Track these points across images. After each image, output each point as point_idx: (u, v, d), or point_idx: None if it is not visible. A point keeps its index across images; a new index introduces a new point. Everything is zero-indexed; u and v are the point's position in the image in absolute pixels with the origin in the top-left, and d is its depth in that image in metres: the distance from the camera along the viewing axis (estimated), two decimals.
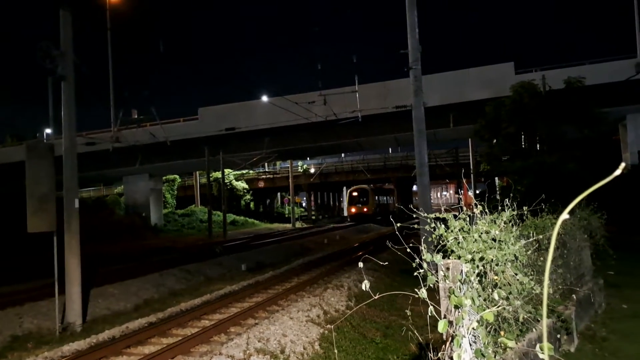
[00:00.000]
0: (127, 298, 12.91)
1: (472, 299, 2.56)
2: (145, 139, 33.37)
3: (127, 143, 32.76)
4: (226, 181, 48.30)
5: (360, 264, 3.13)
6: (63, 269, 10.41)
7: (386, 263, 3.97)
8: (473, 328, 2.68)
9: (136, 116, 34.09)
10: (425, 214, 3.85)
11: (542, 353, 1.41)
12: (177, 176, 53.15)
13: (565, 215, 1.23)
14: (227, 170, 46.83)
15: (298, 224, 51.21)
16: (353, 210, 51.93)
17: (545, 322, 1.18)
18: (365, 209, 50.79)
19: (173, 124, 35.01)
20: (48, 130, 30.10)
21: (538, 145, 22.33)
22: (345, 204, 61.57)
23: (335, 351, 7.55)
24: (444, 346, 2.76)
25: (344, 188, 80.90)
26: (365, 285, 2.66)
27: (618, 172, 1.22)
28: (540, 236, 5.27)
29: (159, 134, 32.06)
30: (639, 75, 22.08)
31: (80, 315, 10.48)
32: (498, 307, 2.74)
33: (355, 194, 52.78)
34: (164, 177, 48.62)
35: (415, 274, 2.92)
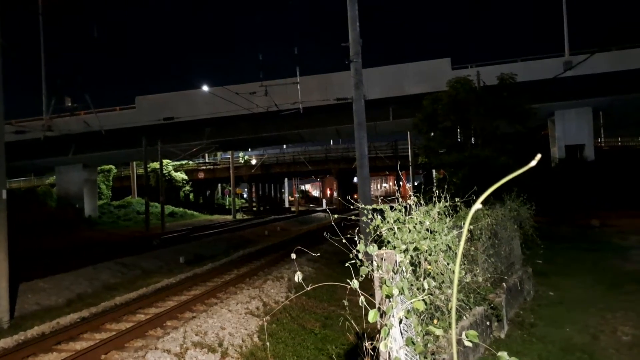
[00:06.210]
0: (59, 293, 12.37)
1: (402, 289, 2.59)
2: (79, 127, 32.07)
3: (59, 132, 31.35)
4: (165, 172, 47.14)
5: (293, 255, 3.12)
6: None
7: (318, 254, 3.98)
8: (404, 317, 2.72)
9: (70, 104, 32.64)
10: (364, 205, 3.88)
11: (468, 340, 1.43)
12: (112, 166, 51.39)
13: (478, 205, 1.26)
14: (165, 161, 45.70)
15: (239, 216, 50.78)
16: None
17: (454, 310, 1.19)
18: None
19: (109, 112, 33.78)
20: None
21: (473, 139, 23.07)
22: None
23: (267, 344, 7.55)
24: (378, 335, 2.79)
25: (286, 179, 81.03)
26: (298, 277, 2.65)
27: (533, 163, 1.25)
28: (471, 227, 5.43)
29: (93, 123, 30.85)
30: (566, 73, 23.18)
31: (7, 312, 9.94)
32: (426, 295, 2.80)
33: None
34: (99, 168, 46.88)
35: (347, 264, 2.94)
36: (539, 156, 1.30)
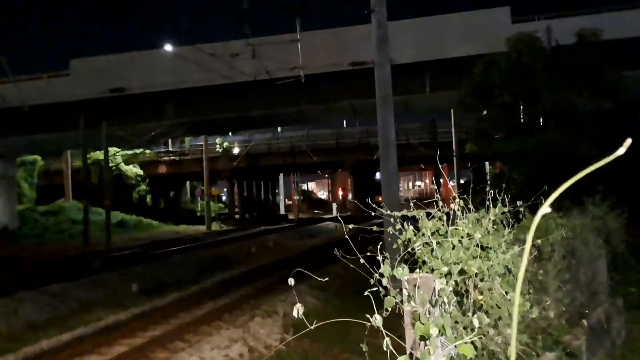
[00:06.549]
0: None
1: (442, 328, 2.61)
2: None
3: None
4: (112, 165, 47.27)
5: (291, 281, 3.13)
6: None
7: (326, 279, 3.99)
8: None
9: None
10: (390, 211, 3.89)
11: None
12: (38, 157, 51.53)
13: (546, 209, 1.27)
14: (113, 150, 45.82)
15: (215, 226, 50.94)
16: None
17: (513, 357, 1.20)
18: None
19: (33, 81, 33.80)
20: None
21: (542, 120, 23.01)
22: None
23: None
24: None
25: (281, 175, 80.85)
26: (298, 311, 2.66)
27: (621, 151, 1.26)
28: (540, 241, 5.44)
29: (12, 96, 30.96)
30: None
31: None
32: (477, 336, 2.81)
33: None
34: (19, 159, 47.00)
35: (367, 293, 2.95)
36: (629, 141, 1.31)
